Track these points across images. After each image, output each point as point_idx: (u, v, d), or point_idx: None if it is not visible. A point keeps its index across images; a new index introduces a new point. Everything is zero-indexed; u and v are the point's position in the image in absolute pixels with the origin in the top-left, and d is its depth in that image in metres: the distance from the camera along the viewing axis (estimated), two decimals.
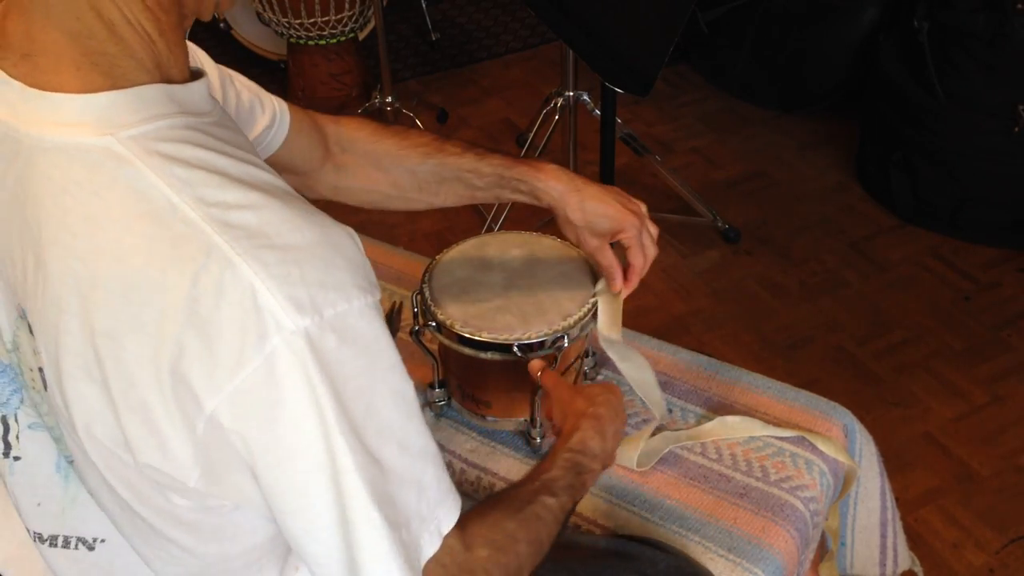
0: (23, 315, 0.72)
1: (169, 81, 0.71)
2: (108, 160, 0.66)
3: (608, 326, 1.21)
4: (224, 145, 0.70)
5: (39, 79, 0.68)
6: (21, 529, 0.94)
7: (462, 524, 0.79)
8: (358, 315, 0.67)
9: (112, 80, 0.68)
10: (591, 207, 1.13)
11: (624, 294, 1.20)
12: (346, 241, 0.69)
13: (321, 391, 0.66)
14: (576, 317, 1.18)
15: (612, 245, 1.18)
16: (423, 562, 0.75)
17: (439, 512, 0.76)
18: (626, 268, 1.18)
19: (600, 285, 1.21)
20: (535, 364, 1.13)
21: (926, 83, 2.52)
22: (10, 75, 0.68)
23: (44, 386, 0.73)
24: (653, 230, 1.17)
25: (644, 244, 1.15)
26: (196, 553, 0.79)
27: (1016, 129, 2.39)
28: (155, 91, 0.69)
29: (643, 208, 1.17)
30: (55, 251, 0.67)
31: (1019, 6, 2.30)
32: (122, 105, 0.67)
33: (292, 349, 0.64)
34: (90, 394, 0.69)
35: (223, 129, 0.73)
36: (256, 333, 0.64)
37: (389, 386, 0.71)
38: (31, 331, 0.71)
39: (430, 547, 0.75)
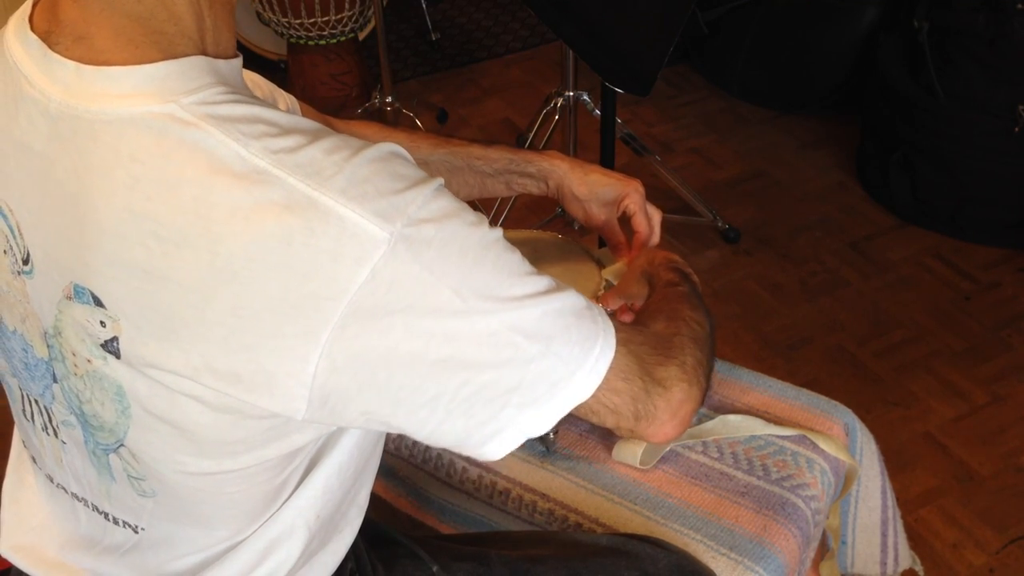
0: (74, 295, 0.72)
1: (210, 55, 0.73)
2: (173, 125, 0.68)
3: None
4: (264, 102, 0.73)
5: (95, 58, 0.69)
6: (31, 517, 0.95)
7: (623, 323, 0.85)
8: (435, 197, 0.71)
9: (166, 53, 0.70)
10: (594, 179, 1.21)
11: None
12: (393, 149, 0.73)
13: (434, 280, 0.68)
14: None
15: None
16: (615, 345, 0.78)
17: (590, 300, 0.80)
18: (631, 240, 1.23)
19: (608, 272, 1.22)
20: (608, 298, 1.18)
21: (926, 83, 2.52)
22: (64, 57, 0.70)
23: (116, 356, 0.72)
24: (654, 214, 1.22)
25: (649, 211, 1.21)
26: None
27: (1016, 129, 2.39)
28: (202, 61, 0.72)
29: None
30: (128, 218, 0.68)
31: (1019, 6, 2.30)
32: (177, 74, 0.70)
33: (396, 259, 0.67)
34: (180, 354, 0.69)
35: (256, 99, 0.76)
36: (352, 258, 0.66)
37: (493, 235, 0.74)
38: (99, 304, 0.71)
39: (608, 330, 0.78)
